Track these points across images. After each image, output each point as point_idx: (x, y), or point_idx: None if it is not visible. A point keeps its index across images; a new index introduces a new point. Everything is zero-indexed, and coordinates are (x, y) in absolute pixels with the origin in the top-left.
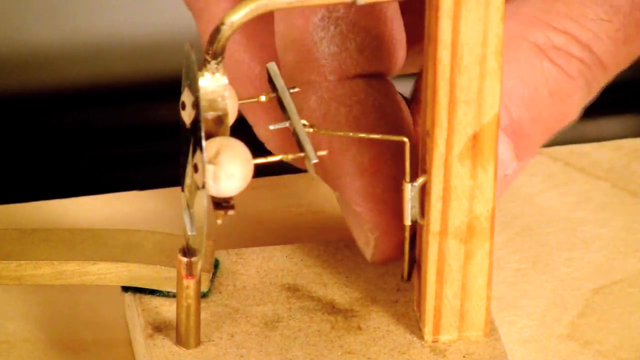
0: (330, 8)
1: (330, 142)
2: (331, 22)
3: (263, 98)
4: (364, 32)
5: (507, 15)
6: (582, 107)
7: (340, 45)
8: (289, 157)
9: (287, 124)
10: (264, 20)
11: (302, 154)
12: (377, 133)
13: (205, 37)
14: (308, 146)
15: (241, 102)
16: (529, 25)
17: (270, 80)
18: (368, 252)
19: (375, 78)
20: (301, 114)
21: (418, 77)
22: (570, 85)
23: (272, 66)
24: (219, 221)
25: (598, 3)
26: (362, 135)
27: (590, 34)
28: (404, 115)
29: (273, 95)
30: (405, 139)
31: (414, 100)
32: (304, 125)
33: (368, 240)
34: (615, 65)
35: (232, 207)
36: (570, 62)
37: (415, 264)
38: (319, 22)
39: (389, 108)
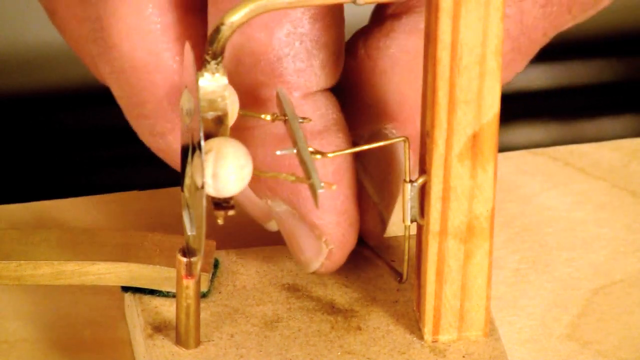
0: (295, 23)
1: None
2: (296, 38)
3: (269, 117)
4: (326, 48)
5: (410, 30)
6: None
7: (305, 61)
8: (291, 179)
9: (294, 150)
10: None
11: (309, 181)
12: (337, 143)
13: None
14: (314, 174)
15: (243, 113)
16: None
17: (279, 105)
18: (316, 263)
19: (328, 90)
20: (264, 131)
21: None
22: None
23: (282, 91)
24: (220, 221)
25: None
26: (366, 147)
27: None
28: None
29: (282, 118)
30: (406, 137)
31: None
32: (311, 152)
33: (320, 251)
34: None
35: (232, 207)
36: None
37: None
38: (284, 37)
39: (340, 116)
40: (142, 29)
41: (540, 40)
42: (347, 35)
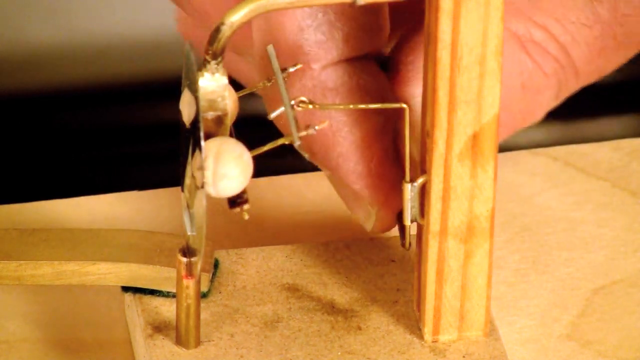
0: None
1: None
2: (319, 10)
3: (267, 83)
4: (351, 20)
5: None
6: (546, 111)
7: (327, 33)
8: (279, 142)
9: (282, 109)
10: None
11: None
12: (365, 109)
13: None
14: (292, 128)
15: (240, 93)
16: (512, 16)
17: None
18: (368, 225)
19: (355, 59)
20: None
21: (393, 48)
22: (543, 81)
23: (270, 49)
24: (246, 217)
25: (580, 8)
26: (362, 106)
27: (568, 37)
28: (387, 88)
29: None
30: (405, 106)
31: (389, 71)
32: (303, 102)
33: (369, 213)
34: (587, 74)
35: (246, 201)
36: (546, 58)
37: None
38: (308, 8)
39: (372, 84)
40: None
41: None
42: None
